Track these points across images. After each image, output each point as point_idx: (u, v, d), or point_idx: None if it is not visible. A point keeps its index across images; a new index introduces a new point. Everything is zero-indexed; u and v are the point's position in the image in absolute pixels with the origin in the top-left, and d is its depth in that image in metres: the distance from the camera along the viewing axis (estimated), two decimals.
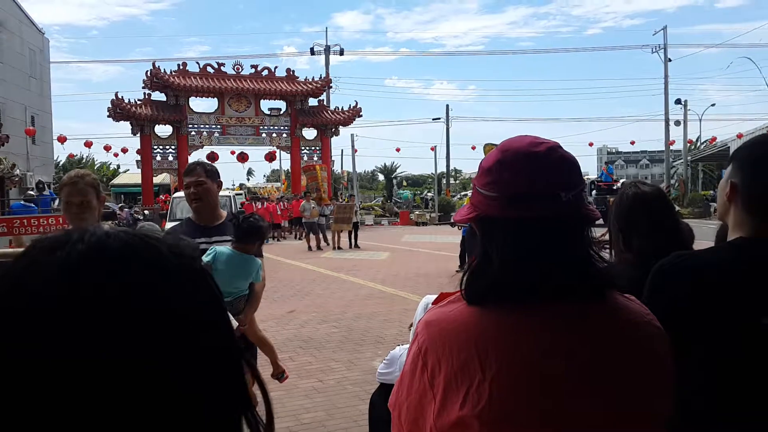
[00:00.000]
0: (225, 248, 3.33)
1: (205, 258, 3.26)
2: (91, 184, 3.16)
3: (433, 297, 3.25)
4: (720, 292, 1.43)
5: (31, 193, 17.45)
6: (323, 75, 33.39)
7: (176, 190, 23.62)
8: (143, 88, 29.32)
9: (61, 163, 44.41)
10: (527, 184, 1.12)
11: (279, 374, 3.96)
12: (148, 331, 0.54)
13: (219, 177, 3.58)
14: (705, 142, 46.13)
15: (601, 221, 1.31)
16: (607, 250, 2.39)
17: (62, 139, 30.99)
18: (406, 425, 1.18)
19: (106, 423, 0.51)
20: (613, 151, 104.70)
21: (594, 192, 25.23)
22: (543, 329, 1.10)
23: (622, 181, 18.62)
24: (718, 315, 1.42)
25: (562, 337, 1.10)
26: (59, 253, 0.56)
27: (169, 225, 15.55)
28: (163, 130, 29.57)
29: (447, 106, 47.45)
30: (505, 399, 1.06)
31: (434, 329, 1.15)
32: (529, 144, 1.16)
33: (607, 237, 2.37)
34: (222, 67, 30.31)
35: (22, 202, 15.99)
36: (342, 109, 32.33)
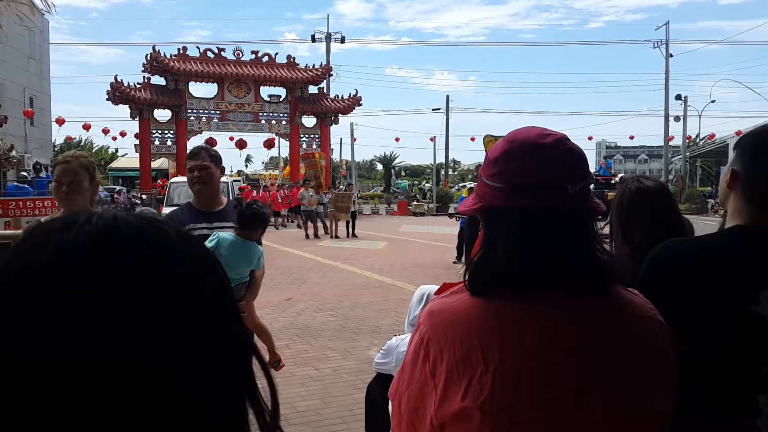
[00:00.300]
0: (228, 234, 3.33)
1: (208, 244, 3.25)
2: (84, 166, 3.04)
3: (428, 287, 3.26)
4: (716, 278, 1.44)
5: (25, 174, 17.28)
6: (324, 62, 33.27)
7: (176, 175, 23.56)
8: (143, 71, 29.19)
9: (59, 145, 44.26)
10: (534, 174, 1.11)
11: (275, 362, 3.97)
12: (153, 317, 0.53)
13: (221, 163, 3.59)
14: (704, 138, 46.13)
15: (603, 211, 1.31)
16: (608, 244, 2.39)
17: (60, 122, 30.86)
18: (406, 415, 1.18)
19: (107, 413, 0.50)
20: (612, 145, 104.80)
21: (592, 186, 25.23)
22: (547, 321, 1.10)
23: (620, 175, 18.57)
24: (714, 301, 1.42)
25: (566, 329, 1.10)
26: (65, 234, 0.55)
27: (166, 210, 15.51)
28: (162, 114, 29.48)
29: (447, 96, 47.41)
30: (508, 390, 1.06)
31: (437, 319, 1.15)
32: (537, 135, 1.15)
33: (606, 230, 2.38)
34: (222, 53, 30.17)
35: (16, 183, 15.89)
36: (342, 97, 32.24)
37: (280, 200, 24.82)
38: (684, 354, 1.19)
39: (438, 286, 1.30)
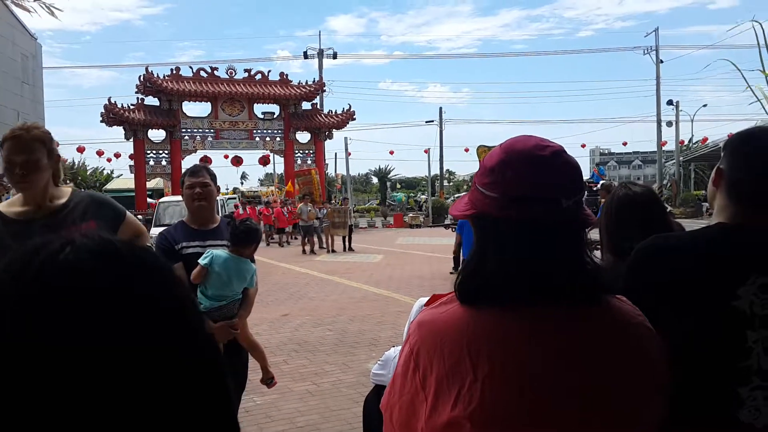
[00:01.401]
0: (222, 252, 3.34)
1: (202, 261, 3.26)
2: (38, 139, 2.59)
3: (426, 299, 3.26)
4: (698, 273, 1.45)
5: None
6: (316, 79, 33.39)
7: (171, 195, 23.44)
8: (136, 93, 29.19)
9: None
10: (529, 187, 1.11)
11: (268, 380, 3.95)
12: (137, 322, 0.58)
13: (217, 182, 3.66)
14: (697, 142, 46.32)
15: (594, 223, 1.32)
16: (598, 251, 2.40)
17: (55, 145, 30.83)
18: (398, 426, 1.18)
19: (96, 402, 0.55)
20: (606, 152, 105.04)
21: (585, 194, 25.31)
22: (536, 330, 1.10)
23: (601, 182, 18.69)
24: (695, 296, 1.44)
25: (555, 339, 1.10)
26: (65, 252, 0.59)
27: (155, 230, 15.21)
28: (157, 134, 29.48)
29: (440, 108, 47.57)
30: (497, 400, 1.06)
31: (426, 330, 1.16)
32: (534, 146, 1.15)
33: (597, 237, 2.38)
34: (215, 72, 30.23)
35: None
36: (335, 112, 32.32)
37: (285, 215, 24.42)
38: (667, 348, 1.20)
39: None
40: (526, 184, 1.11)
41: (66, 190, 2.78)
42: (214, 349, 0.67)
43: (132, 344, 0.57)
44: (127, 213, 2.98)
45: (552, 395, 1.07)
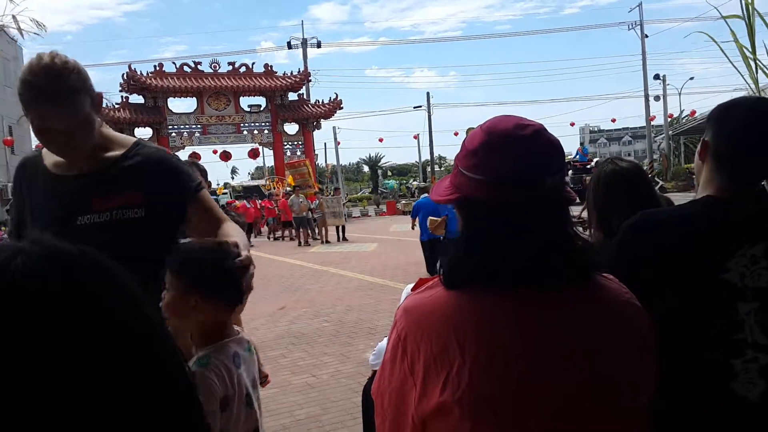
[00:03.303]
0: None
1: None
2: (78, 89, 1.84)
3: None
4: (686, 247, 1.45)
5: None
6: (302, 69, 33.27)
7: None
8: (120, 91, 29.08)
9: None
10: (515, 168, 1.11)
11: (262, 378, 3.93)
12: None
13: (207, 178, 3.67)
14: (686, 116, 46.45)
15: (577, 200, 1.31)
16: (585, 229, 2.39)
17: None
18: (389, 412, 1.18)
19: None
20: (595, 129, 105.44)
21: (570, 172, 25.49)
22: (522, 312, 1.10)
23: (596, 160, 18.82)
24: (684, 270, 1.44)
25: (538, 321, 1.10)
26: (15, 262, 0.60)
27: None
28: (143, 132, 29.35)
29: (428, 93, 47.60)
30: (485, 383, 1.05)
31: (412, 315, 1.15)
32: (516, 126, 1.14)
33: (584, 215, 2.38)
34: (199, 66, 30.12)
35: None
36: (322, 102, 32.24)
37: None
38: (657, 323, 1.20)
39: None
40: (511, 165, 1.10)
41: (127, 140, 2.13)
42: (173, 350, 0.68)
43: (87, 348, 0.58)
44: (204, 191, 2.19)
45: (541, 378, 1.07)
